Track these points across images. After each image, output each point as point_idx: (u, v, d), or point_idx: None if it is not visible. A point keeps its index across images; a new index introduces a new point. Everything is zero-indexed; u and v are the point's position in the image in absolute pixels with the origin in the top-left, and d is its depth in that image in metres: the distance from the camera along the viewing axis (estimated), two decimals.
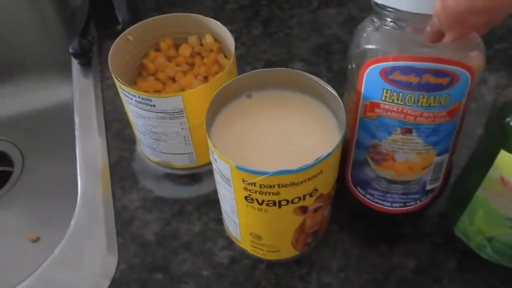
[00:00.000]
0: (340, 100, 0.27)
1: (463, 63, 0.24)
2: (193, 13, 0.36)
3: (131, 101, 0.32)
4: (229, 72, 0.33)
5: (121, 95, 0.33)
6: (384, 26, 0.25)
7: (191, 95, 0.31)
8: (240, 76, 0.29)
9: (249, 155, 0.27)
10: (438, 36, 0.22)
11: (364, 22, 0.28)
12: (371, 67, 0.25)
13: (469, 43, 0.25)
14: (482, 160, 0.26)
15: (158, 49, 0.38)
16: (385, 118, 0.27)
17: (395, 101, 0.26)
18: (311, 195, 0.26)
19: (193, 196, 0.36)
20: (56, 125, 0.55)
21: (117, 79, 0.32)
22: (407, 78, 0.24)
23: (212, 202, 0.35)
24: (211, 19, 0.36)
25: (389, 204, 0.30)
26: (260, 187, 0.25)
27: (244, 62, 0.46)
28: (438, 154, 0.28)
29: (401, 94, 0.25)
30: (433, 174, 0.29)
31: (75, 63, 0.47)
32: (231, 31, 0.35)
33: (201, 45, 0.38)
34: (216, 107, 0.29)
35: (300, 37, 0.48)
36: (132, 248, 0.33)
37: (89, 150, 0.39)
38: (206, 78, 0.37)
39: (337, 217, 0.33)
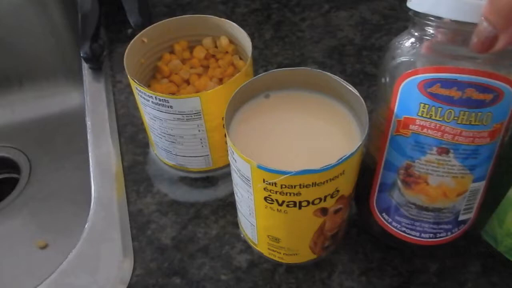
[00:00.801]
0: (362, 100, 0.26)
1: (510, 79, 0.23)
2: None
3: (147, 103, 0.32)
4: (246, 73, 0.32)
5: (137, 96, 0.33)
6: (424, 37, 0.24)
7: (209, 96, 0.31)
8: (258, 75, 0.28)
9: (269, 155, 0.26)
10: (489, 43, 0.20)
11: (401, 35, 0.27)
12: (409, 79, 0.24)
13: None
14: None
15: (172, 52, 0.38)
16: (421, 136, 0.25)
17: (433, 116, 0.24)
18: (332, 196, 0.26)
19: (209, 199, 0.35)
20: (66, 131, 0.55)
21: (133, 80, 0.31)
22: (448, 92, 0.23)
23: (228, 205, 0.35)
24: (227, 20, 0.36)
25: (417, 233, 0.29)
26: (281, 187, 0.25)
27: (257, 65, 0.45)
28: (475, 180, 0.27)
29: (440, 109, 0.24)
30: (467, 202, 0.28)
31: (86, 68, 0.47)
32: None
33: (216, 47, 0.38)
34: (235, 106, 0.28)
35: (312, 40, 0.48)
36: (149, 253, 0.32)
37: (103, 154, 0.39)
38: (221, 80, 0.37)
39: (356, 220, 0.33)
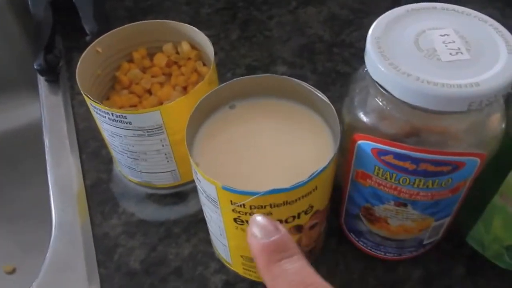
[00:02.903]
0: (333, 107, 0.25)
1: (473, 153, 0.21)
2: (167, 19, 0.34)
3: (104, 119, 0.30)
4: (210, 81, 0.30)
5: (93, 113, 0.31)
6: (378, 99, 0.22)
7: (170, 109, 0.29)
8: (220, 86, 0.26)
9: (236, 173, 0.24)
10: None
11: (358, 74, 0.24)
12: (364, 141, 0.23)
13: (487, 128, 0.22)
14: (499, 166, 0.24)
15: (131, 60, 0.35)
16: (378, 190, 0.24)
17: (388, 179, 0.23)
18: (306, 213, 0.24)
19: (179, 216, 0.33)
20: (26, 147, 0.52)
21: (86, 95, 0.29)
22: (402, 163, 0.22)
23: (200, 221, 0.33)
24: (187, 25, 0.33)
25: (383, 253, 0.29)
26: (251, 208, 0.23)
27: (224, 68, 0.43)
28: (437, 220, 0.26)
29: (394, 175, 0.23)
30: (431, 233, 0.27)
31: (41, 80, 0.44)
32: (208, 36, 0.32)
33: (177, 53, 0.35)
34: (197, 121, 0.26)
35: (280, 39, 0.46)
36: (117, 279, 0.30)
37: (63, 173, 0.36)
38: (185, 89, 0.34)
39: (335, 229, 0.31)
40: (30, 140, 0.52)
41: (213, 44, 0.32)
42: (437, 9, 0.23)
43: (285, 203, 0.23)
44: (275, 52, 0.45)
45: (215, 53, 0.31)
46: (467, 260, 0.30)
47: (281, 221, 0.24)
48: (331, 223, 0.30)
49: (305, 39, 0.46)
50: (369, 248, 0.29)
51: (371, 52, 0.21)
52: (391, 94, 0.21)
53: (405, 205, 0.24)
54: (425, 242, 0.28)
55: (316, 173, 0.22)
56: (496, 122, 0.22)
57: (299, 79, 0.26)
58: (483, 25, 0.22)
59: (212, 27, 0.48)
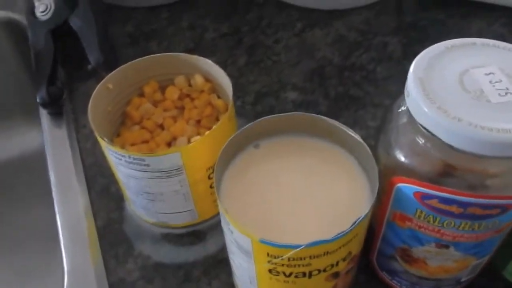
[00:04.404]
0: (367, 147, 0.23)
1: None
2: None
3: (120, 161, 0.28)
4: (229, 118, 0.29)
5: (107, 155, 0.29)
6: (420, 140, 0.21)
7: (190, 150, 0.27)
8: (247, 126, 0.25)
9: (268, 220, 0.23)
10: None
11: (394, 113, 0.23)
12: (405, 184, 0.21)
13: None
14: None
15: (142, 95, 0.34)
16: (418, 232, 0.23)
17: (431, 222, 0.22)
18: (344, 260, 0.23)
19: (198, 257, 0.31)
20: (28, 184, 0.50)
21: (102, 138, 0.27)
22: (448, 207, 0.21)
23: (221, 262, 0.31)
24: (200, 57, 0.32)
25: None
26: (289, 260, 0.21)
27: (233, 96, 0.42)
28: (478, 259, 0.25)
29: (438, 218, 0.22)
30: (470, 271, 0.26)
31: (44, 113, 0.42)
32: (215, 62, 0.31)
33: (190, 86, 0.34)
34: (223, 163, 0.25)
35: (289, 63, 0.45)
36: None
37: (72, 213, 0.34)
38: (199, 122, 0.33)
39: (365, 267, 0.30)
40: (33, 176, 0.50)
41: (228, 77, 0.30)
42: (477, 45, 0.22)
43: (326, 253, 0.21)
44: (284, 77, 0.44)
45: None
46: None
47: (319, 270, 0.22)
48: (363, 263, 0.28)
49: (314, 62, 0.45)
50: (400, 285, 0.28)
51: (416, 95, 0.20)
52: (437, 137, 0.20)
53: (447, 246, 0.23)
54: (462, 280, 0.27)
55: (358, 220, 0.21)
56: None
57: (310, 105, 0.25)
58: None
59: (217, 53, 0.46)
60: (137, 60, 0.32)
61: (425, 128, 0.20)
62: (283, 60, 0.46)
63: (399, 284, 0.28)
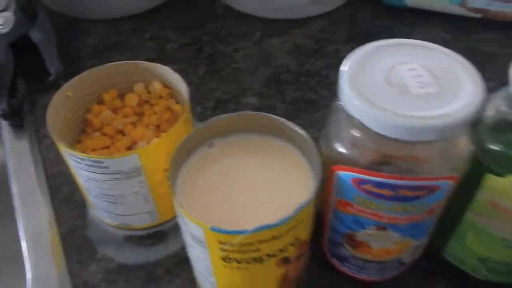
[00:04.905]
0: (312, 141, 0.25)
1: (446, 176, 0.23)
2: (133, 56, 0.34)
3: (80, 165, 0.29)
4: (185, 120, 0.30)
5: (67, 160, 0.30)
6: (354, 132, 0.23)
7: (148, 151, 0.29)
8: (201, 125, 0.27)
9: (220, 212, 0.25)
10: None
11: (332, 108, 0.25)
12: (343, 172, 0.24)
13: (457, 153, 0.24)
14: (468, 184, 0.25)
15: (101, 102, 0.35)
16: (359, 217, 0.25)
17: (368, 206, 0.24)
18: (292, 245, 0.24)
19: (160, 258, 0.33)
20: None
21: (61, 143, 0.28)
22: (380, 191, 0.23)
23: (182, 260, 0.32)
24: (158, 64, 0.34)
25: (366, 276, 0.30)
26: (239, 246, 0.23)
27: (193, 102, 0.44)
28: (417, 240, 0.27)
29: (374, 202, 0.24)
30: (411, 253, 0.28)
31: (4, 125, 0.42)
32: (176, 71, 0.33)
33: (149, 92, 0.35)
34: (178, 162, 0.26)
35: (248, 71, 0.47)
36: None
37: (35, 223, 0.35)
38: (158, 127, 0.34)
39: (318, 256, 0.31)
40: None
41: (184, 82, 0.32)
42: (403, 45, 0.24)
43: (273, 238, 0.23)
44: (243, 84, 0.46)
45: None
46: (446, 275, 0.31)
47: (269, 256, 0.24)
48: (314, 251, 0.30)
49: (272, 69, 0.47)
50: (353, 272, 0.30)
51: (347, 89, 0.22)
52: (369, 128, 0.22)
53: (385, 229, 0.25)
54: (405, 262, 0.29)
55: (301, 206, 0.22)
56: (464, 146, 0.24)
57: (268, 109, 0.27)
58: (446, 58, 0.23)
59: (179, 62, 0.48)
60: (96, 68, 0.33)
61: (357, 120, 0.22)
62: (242, 67, 0.47)
63: (348, 269, 0.29)
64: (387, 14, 0.53)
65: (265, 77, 0.46)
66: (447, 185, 0.23)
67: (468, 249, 0.28)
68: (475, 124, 0.25)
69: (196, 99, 0.44)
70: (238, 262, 0.24)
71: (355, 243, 0.27)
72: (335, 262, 0.30)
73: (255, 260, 0.24)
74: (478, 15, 0.50)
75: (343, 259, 0.29)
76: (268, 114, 0.27)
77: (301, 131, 0.26)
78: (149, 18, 0.53)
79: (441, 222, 0.27)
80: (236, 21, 0.53)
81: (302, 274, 0.29)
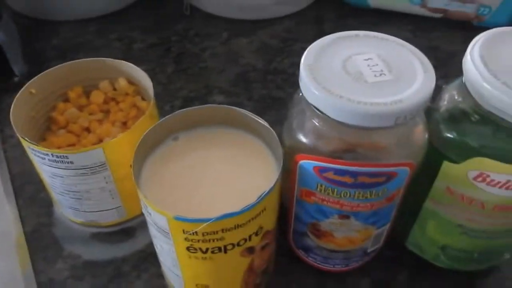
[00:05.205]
0: (273, 131, 0.26)
1: (403, 163, 0.24)
2: (100, 56, 0.34)
3: (43, 161, 0.29)
4: (150, 115, 0.31)
5: (31, 155, 0.30)
6: (314, 121, 0.24)
7: (112, 145, 0.29)
8: (164, 118, 0.27)
9: (185, 203, 0.25)
10: None
11: (294, 99, 0.26)
12: (306, 161, 0.24)
13: (413, 140, 0.24)
14: (426, 172, 0.26)
15: (67, 100, 0.35)
16: (322, 206, 0.26)
17: (330, 194, 0.25)
18: (257, 234, 0.25)
19: (128, 253, 0.32)
20: None
21: (23, 138, 0.28)
22: (341, 178, 0.24)
23: (150, 256, 0.32)
24: (123, 61, 0.34)
25: (331, 266, 0.30)
26: (203, 235, 0.23)
27: (161, 101, 0.44)
28: (378, 228, 0.28)
29: (335, 190, 0.24)
30: (373, 241, 0.29)
31: None
32: (143, 70, 0.33)
33: (115, 89, 0.35)
34: (142, 155, 0.26)
35: (216, 70, 0.48)
36: None
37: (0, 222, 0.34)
38: (125, 124, 0.34)
39: (285, 248, 0.32)
40: None
41: (149, 78, 0.32)
42: (360, 37, 0.25)
43: (236, 226, 0.23)
44: (211, 82, 0.46)
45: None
46: (408, 263, 0.32)
47: (233, 245, 0.24)
48: (281, 243, 0.31)
49: (240, 68, 0.48)
50: (318, 262, 0.30)
51: (305, 78, 0.22)
52: (326, 115, 0.22)
53: (348, 217, 0.26)
54: (369, 251, 0.30)
55: (263, 195, 0.23)
56: (420, 134, 0.25)
57: (237, 106, 0.27)
58: (401, 49, 0.24)
59: (146, 62, 0.48)
60: (60, 65, 0.33)
61: (316, 108, 0.23)
62: (209, 67, 0.48)
63: (314, 259, 0.30)
64: (351, 14, 0.55)
65: (232, 76, 0.47)
66: (404, 172, 0.24)
67: (429, 237, 0.29)
68: (431, 113, 0.26)
69: (164, 98, 0.44)
70: (203, 252, 0.24)
71: (319, 233, 0.28)
72: (301, 253, 0.31)
73: (219, 249, 0.24)
74: (438, 15, 0.52)
75: (308, 249, 0.30)
76: (231, 106, 0.27)
77: (263, 122, 0.26)
78: (116, 20, 0.53)
79: (402, 211, 0.28)
80: (203, 21, 0.54)
81: (268, 266, 0.29)
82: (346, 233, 0.27)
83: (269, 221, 0.26)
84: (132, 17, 0.54)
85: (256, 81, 0.46)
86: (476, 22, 0.51)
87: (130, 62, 0.33)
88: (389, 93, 0.22)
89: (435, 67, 0.24)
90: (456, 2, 0.51)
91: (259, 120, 0.27)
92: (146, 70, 0.33)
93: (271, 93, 0.45)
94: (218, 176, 0.26)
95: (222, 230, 0.23)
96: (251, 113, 0.27)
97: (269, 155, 0.27)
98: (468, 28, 0.52)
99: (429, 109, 0.26)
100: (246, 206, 0.22)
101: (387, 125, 0.22)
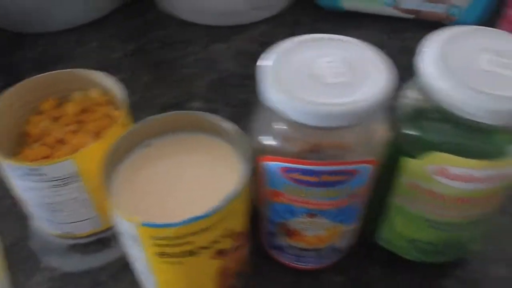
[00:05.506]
0: (241, 135, 0.26)
1: (364, 160, 0.24)
2: (78, 67, 0.34)
3: (15, 174, 0.29)
4: (123, 124, 0.31)
5: (3, 170, 0.30)
6: (278, 123, 0.25)
7: (84, 156, 0.29)
8: (134, 126, 0.27)
9: (155, 209, 0.25)
10: None
11: (258, 104, 0.27)
12: (272, 162, 0.25)
13: (373, 137, 0.25)
14: (390, 169, 0.27)
15: (40, 112, 0.35)
16: (290, 206, 0.26)
17: (297, 194, 0.25)
18: (227, 237, 0.25)
19: (105, 263, 0.33)
20: None
21: None
22: (306, 178, 0.24)
23: (127, 264, 0.32)
24: (95, 71, 0.34)
25: (304, 264, 0.31)
26: (171, 240, 0.23)
27: (139, 110, 0.43)
28: (346, 226, 0.28)
29: (302, 189, 0.25)
30: (344, 239, 0.29)
31: None
32: (120, 79, 0.33)
33: (87, 100, 0.35)
34: (113, 163, 0.27)
35: (193, 76, 0.48)
36: None
37: None
38: (98, 134, 0.34)
39: (259, 250, 0.32)
40: None
41: (126, 87, 0.32)
42: (324, 39, 0.25)
43: (203, 230, 0.23)
44: (188, 89, 0.46)
45: (129, 96, 0.32)
46: (380, 259, 0.32)
47: (203, 248, 0.24)
48: (256, 244, 0.31)
49: (217, 74, 0.48)
50: (292, 261, 0.31)
51: (268, 83, 0.23)
52: (289, 118, 0.23)
53: (315, 215, 0.26)
54: (340, 248, 0.30)
55: (227, 197, 0.23)
56: (381, 131, 0.25)
57: (214, 112, 0.28)
58: (363, 51, 0.25)
59: (123, 71, 0.48)
60: (32, 77, 0.33)
61: (277, 110, 0.23)
62: (187, 74, 0.48)
63: (287, 259, 0.30)
64: (327, 18, 0.55)
65: (210, 82, 0.47)
66: (366, 169, 0.25)
67: (398, 232, 0.30)
68: (393, 111, 0.27)
69: (141, 107, 0.44)
70: (173, 257, 0.24)
71: (289, 232, 0.28)
72: (274, 253, 0.31)
73: (189, 253, 0.24)
74: (411, 16, 0.53)
75: (280, 249, 0.30)
76: (198, 112, 0.28)
77: (230, 126, 0.27)
78: (93, 29, 0.54)
79: (371, 208, 0.29)
80: (181, 29, 0.54)
81: (243, 268, 0.29)
82: (315, 231, 0.28)
83: (238, 223, 0.26)
84: (111, 25, 0.54)
85: (234, 86, 0.47)
86: (447, 22, 0.52)
87: (108, 72, 0.34)
88: (349, 94, 0.22)
89: (408, 68, 0.24)
90: (427, 3, 0.52)
91: (228, 125, 0.27)
92: (124, 79, 0.33)
93: (248, 98, 0.45)
94: (190, 181, 0.27)
95: (190, 234, 0.23)
96: (220, 118, 0.27)
97: (237, 158, 0.28)
98: (440, 29, 0.52)
99: (391, 107, 0.27)
100: (210, 210, 0.23)
101: (347, 124, 0.22)
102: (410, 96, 0.26)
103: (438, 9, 0.52)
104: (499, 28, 0.45)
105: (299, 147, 0.25)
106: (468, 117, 0.23)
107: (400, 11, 0.54)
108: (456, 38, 0.25)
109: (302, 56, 0.24)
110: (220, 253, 0.26)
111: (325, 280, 0.31)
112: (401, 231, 0.29)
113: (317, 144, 0.24)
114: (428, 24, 0.53)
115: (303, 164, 0.24)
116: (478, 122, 0.23)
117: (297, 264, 0.31)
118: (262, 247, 0.32)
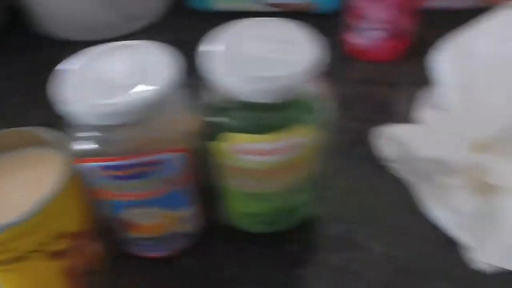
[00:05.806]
0: (63, 141, 0.28)
1: (168, 149, 0.27)
2: None
3: None
4: None
5: None
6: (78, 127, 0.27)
7: None
8: None
9: None
10: None
11: None
12: (89, 164, 0.27)
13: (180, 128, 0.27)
14: (205, 154, 0.29)
15: None
16: (115, 201, 0.29)
17: (117, 188, 0.28)
18: (58, 238, 0.27)
19: None
20: None
21: None
22: (120, 173, 0.27)
23: None
24: None
25: (158, 252, 0.33)
26: None
27: None
28: (179, 212, 0.31)
29: (118, 184, 0.27)
30: (185, 224, 0.32)
31: None
32: None
33: None
34: None
35: None
36: None
37: None
38: None
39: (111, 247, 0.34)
40: None
41: None
42: (119, 46, 0.28)
43: (24, 234, 0.25)
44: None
45: None
46: (230, 237, 0.35)
47: (32, 252, 0.26)
48: (107, 241, 0.33)
49: None
50: (146, 251, 0.33)
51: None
52: (82, 121, 0.25)
53: (141, 206, 0.29)
54: (187, 233, 0.32)
55: (41, 200, 0.25)
56: (186, 122, 0.28)
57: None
58: (154, 52, 0.27)
59: None
60: None
61: (74, 116, 0.25)
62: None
63: (140, 250, 0.33)
64: (203, 21, 0.58)
65: None
66: (175, 158, 0.27)
67: (237, 209, 0.33)
68: (198, 102, 0.30)
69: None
70: (2, 265, 0.26)
71: (126, 225, 0.30)
72: (126, 247, 0.33)
73: (18, 259, 0.26)
74: (279, 9, 0.57)
75: (129, 242, 0.32)
76: (26, 128, 0.29)
77: (51, 134, 0.28)
78: None
79: (209, 191, 0.31)
80: (56, 49, 0.55)
81: (94, 266, 0.31)
82: (150, 220, 0.30)
83: (70, 223, 0.28)
84: None
85: None
86: (312, 11, 0.56)
87: None
88: (126, 93, 0.25)
89: None
90: None
91: (47, 133, 0.29)
92: None
93: None
94: (10, 193, 0.28)
95: (9, 241, 0.25)
96: (39, 127, 0.29)
97: (60, 164, 0.29)
98: (307, 19, 0.56)
99: (198, 99, 0.29)
100: (22, 215, 0.24)
101: (127, 121, 0.25)
102: (207, 89, 0.29)
103: (301, 0, 0.56)
104: (347, 18, 0.49)
105: (108, 146, 0.27)
106: (248, 99, 0.26)
107: (269, 6, 0.57)
108: (238, 31, 0.28)
109: (98, 63, 0.27)
110: (56, 254, 0.27)
111: (178, 264, 0.34)
112: (238, 208, 0.32)
113: (120, 141, 0.27)
114: (296, 16, 0.56)
115: (113, 160, 0.26)
116: (256, 102, 0.26)
117: (151, 253, 0.33)
118: (114, 245, 0.33)
